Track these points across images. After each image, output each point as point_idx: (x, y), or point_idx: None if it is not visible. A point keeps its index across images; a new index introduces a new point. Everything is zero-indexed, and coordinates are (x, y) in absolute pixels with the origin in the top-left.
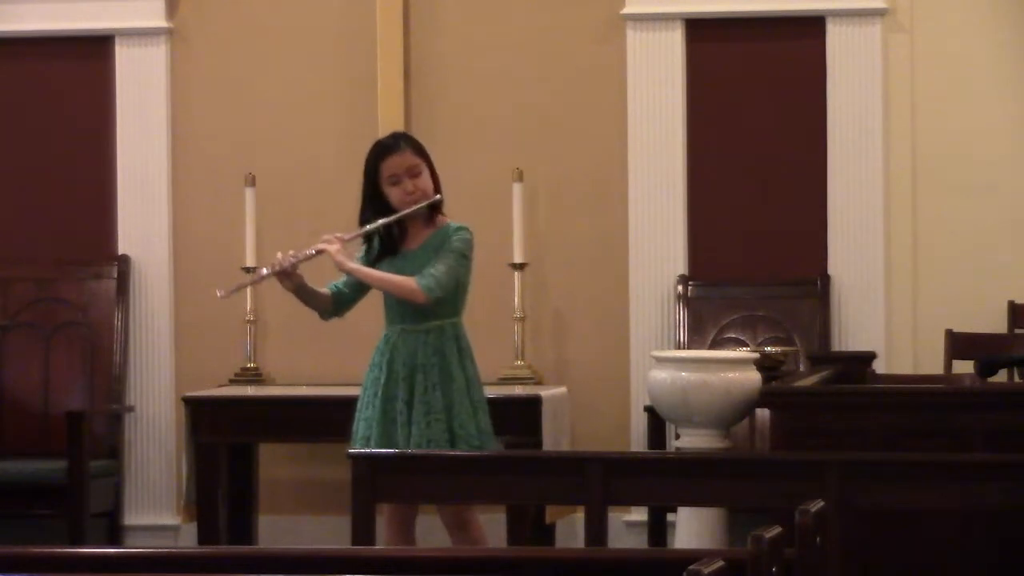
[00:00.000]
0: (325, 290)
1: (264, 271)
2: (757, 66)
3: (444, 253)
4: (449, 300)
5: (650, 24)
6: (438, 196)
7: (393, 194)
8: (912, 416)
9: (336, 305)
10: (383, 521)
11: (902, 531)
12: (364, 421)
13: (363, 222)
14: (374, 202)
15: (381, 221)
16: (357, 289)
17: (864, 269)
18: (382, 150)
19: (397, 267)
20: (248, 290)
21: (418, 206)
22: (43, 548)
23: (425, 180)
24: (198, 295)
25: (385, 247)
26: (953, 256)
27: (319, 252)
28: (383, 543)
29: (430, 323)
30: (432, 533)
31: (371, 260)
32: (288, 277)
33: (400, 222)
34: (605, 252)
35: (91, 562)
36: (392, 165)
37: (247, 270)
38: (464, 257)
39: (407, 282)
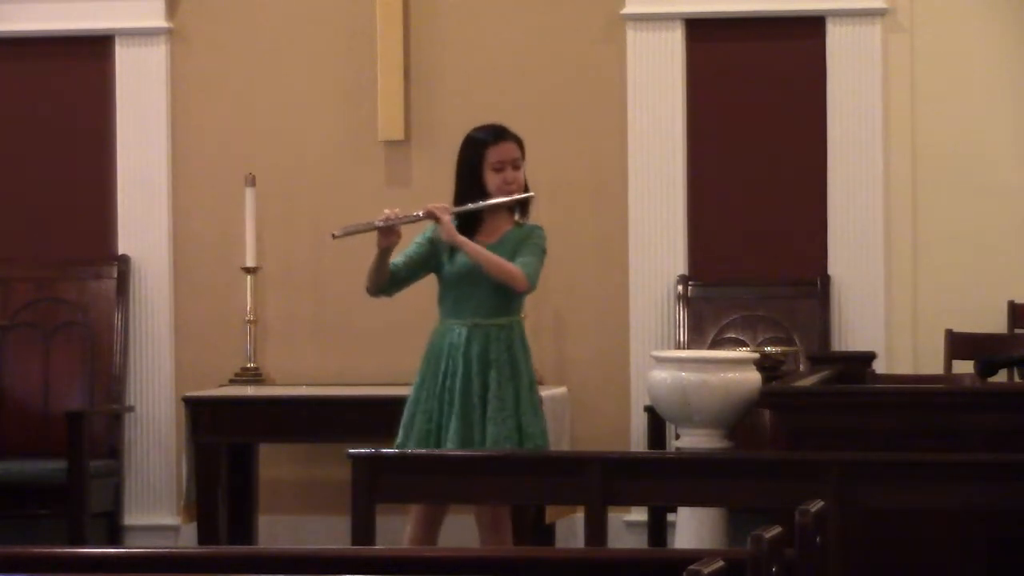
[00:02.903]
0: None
1: (377, 222)
2: (757, 66)
3: (530, 247)
4: (520, 297)
5: (650, 24)
6: (532, 193)
7: (492, 180)
8: (912, 416)
9: (391, 283)
10: (409, 518)
11: (902, 531)
12: (423, 414)
13: (459, 203)
14: (472, 186)
15: (486, 202)
16: (412, 272)
17: (864, 269)
18: (493, 135)
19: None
20: (248, 289)
21: (518, 196)
22: (43, 548)
23: (522, 175)
24: (198, 295)
25: (463, 233)
26: (953, 256)
27: (428, 216)
28: (406, 537)
29: (501, 319)
30: (458, 533)
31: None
32: (391, 234)
33: (480, 214)
34: (605, 252)
35: (91, 562)
36: (501, 152)
37: (246, 270)
38: (545, 254)
39: (513, 267)
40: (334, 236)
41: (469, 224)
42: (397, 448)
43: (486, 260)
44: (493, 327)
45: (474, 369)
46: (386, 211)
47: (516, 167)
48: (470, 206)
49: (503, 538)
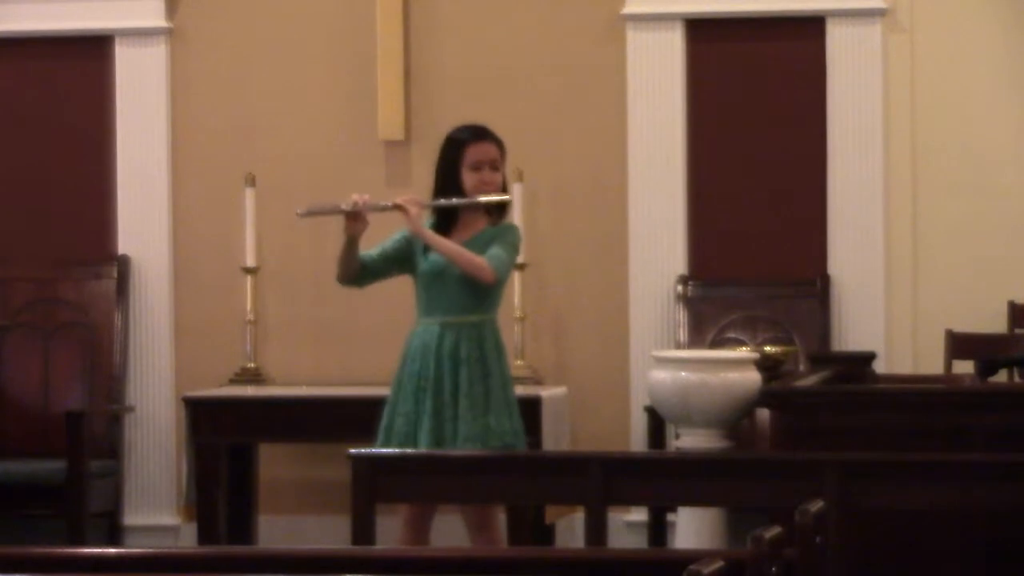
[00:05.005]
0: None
1: (343, 205)
2: (757, 66)
3: (502, 242)
4: (492, 294)
5: (650, 24)
6: (509, 197)
7: (470, 179)
8: (912, 416)
9: (362, 274)
10: (399, 520)
11: (902, 531)
12: (403, 416)
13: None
14: (449, 184)
15: (458, 200)
16: (386, 267)
17: (864, 269)
18: (472, 134)
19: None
20: (248, 289)
21: (493, 198)
22: (43, 548)
23: (500, 177)
24: (198, 295)
25: (437, 231)
26: (953, 256)
27: (396, 207)
28: (397, 541)
29: (472, 317)
30: (448, 533)
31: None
32: (358, 220)
33: (456, 212)
34: (605, 252)
35: (91, 562)
36: (479, 151)
37: (246, 270)
38: (517, 252)
39: (480, 259)
40: (298, 214)
41: (445, 222)
42: None
43: (452, 252)
44: (464, 325)
45: (446, 367)
46: (354, 196)
47: (494, 168)
48: (442, 201)
49: (492, 537)
